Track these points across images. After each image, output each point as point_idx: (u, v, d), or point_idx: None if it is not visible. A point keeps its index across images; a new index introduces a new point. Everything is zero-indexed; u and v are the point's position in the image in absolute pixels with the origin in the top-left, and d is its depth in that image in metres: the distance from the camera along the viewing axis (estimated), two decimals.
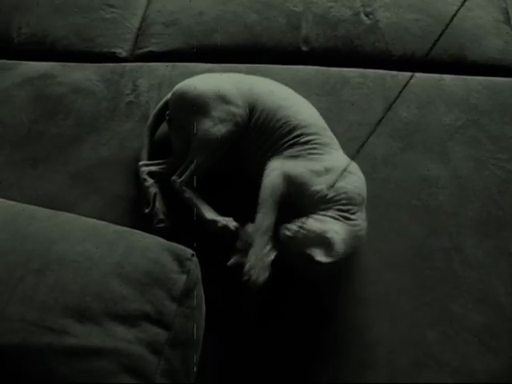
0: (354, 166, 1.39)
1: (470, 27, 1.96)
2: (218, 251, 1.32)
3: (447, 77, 1.78)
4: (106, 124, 1.66)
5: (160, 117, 1.58)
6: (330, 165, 1.36)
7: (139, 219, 1.43)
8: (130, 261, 1.02)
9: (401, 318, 1.29)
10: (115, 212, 1.46)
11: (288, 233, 1.26)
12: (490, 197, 1.48)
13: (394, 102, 1.41)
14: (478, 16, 2.00)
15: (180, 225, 1.42)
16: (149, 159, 1.55)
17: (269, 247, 1.26)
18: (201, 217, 1.39)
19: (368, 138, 1.44)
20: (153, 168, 1.52)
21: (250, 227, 1.30)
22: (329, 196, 1.30)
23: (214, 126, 1.43)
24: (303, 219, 1.27)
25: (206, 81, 1.53)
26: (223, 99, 1.46)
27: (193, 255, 1.07)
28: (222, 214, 1.40)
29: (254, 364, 1.24)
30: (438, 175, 1.52)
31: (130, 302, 0.97)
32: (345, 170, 1.34)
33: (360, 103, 1.68)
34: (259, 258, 1.24)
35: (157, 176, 1.51)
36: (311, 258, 1.21)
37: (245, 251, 1.27)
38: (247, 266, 1.24)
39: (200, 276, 1.09)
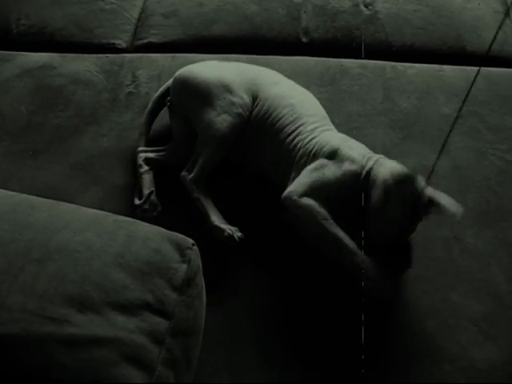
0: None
1: (469, 18, 1.97)
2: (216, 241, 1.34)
3: (447, 67, 1.79)
4: (106, 115, 1.66)
5: (160, 103, 1.57)
6: (331, 145, 1.37)
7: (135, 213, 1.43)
8: (131, 250, 1.02)
9: (401, 307, 1.29)
10: (115, 202, 1.46)
11: None
12: (489, 187, 1.49)
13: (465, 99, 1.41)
14: (478, 7, 2.01)
15: (175, 213, 1.43)
16: (147, 146, 1.54)
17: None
18: (207, 220, 1.38)
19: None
20: (150, 154, 1.52)
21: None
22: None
23: (218, 116, 1.42)
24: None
25: (209, 68, 1.52)
26: (226, 88, 1.45)
27: (193, 244, 1.07)
28: (222, 203, 1.40)
29: (256, 351, 1.25)
30: (437, 165, 1.52)
31: (130, 291, 0.97)
32: None
33: (359, 94, 1.69)
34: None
35: (153, 163, 1.50)
36: None
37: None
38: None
39: (201, 265, 1.09)
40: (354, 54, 1.84)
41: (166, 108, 1.58)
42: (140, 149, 1.53)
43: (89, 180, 1.52)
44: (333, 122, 1.51)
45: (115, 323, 0.93)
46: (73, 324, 0.91)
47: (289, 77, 1.64)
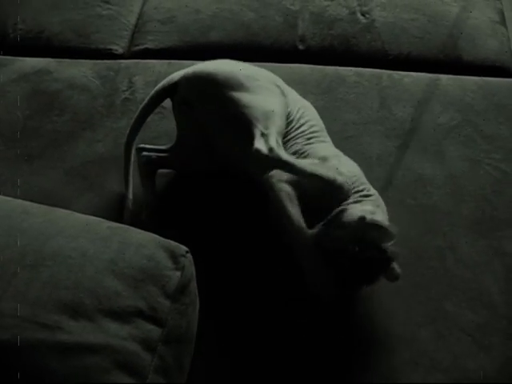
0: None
1: (465, 28, 1.97)
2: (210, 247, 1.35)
3: (443, 77, 1.79)
4: (102, 120, 1.66)
5: (159, 99, 1.51)
6: (322, 154, 1.36)
7: (134, 215, 1.43)
8: (124, 257, 1.01)
9: (395, 317, 1.29)
10: (110, 208, 1.46)
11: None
12: (484, 196, 1.49)
13: None
14: (474, 17, 2.01)
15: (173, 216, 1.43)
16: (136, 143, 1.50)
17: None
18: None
19: None
20: (152, 155, 1.50)
21: None
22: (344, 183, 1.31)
23: (260, 95, 1.38)
24: (333, 213, 1.25)
25: (227, 66, 1.47)
26: (256, 79, 1.42)
27: (187, 252, 1.07)
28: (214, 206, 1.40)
29: (248, 361, 1.24)
30: (432, 174, 1.53)
31: (123, 298, 0.96)
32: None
33: (356, 102, 1.69)
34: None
35: (154, 163, 1.50)
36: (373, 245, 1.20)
37: None
38: None
39: (194, 273, 1.09)
40: (351, 61, 1.84)
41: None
42: (141, 146, 1.51)
43: (84, 185, 1.52)
44: (328, 130, 1.51)
45: (108, 330, 0.93)
46: (65, 331, 0.91)
47: (285, 84, 1.64)
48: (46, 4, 2.02)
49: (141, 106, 1.52)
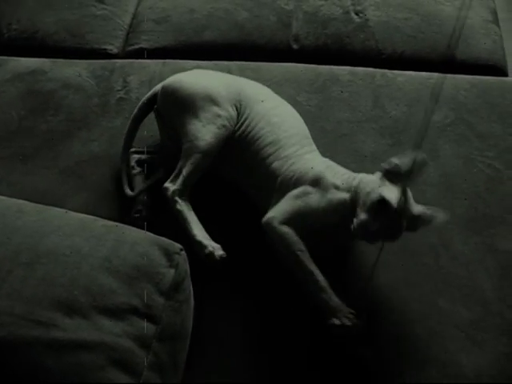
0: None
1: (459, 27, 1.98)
2: None
3: (436, 75, 1.79)
4: (97, 120, 1.66)
5: (146, 109, 1.55)
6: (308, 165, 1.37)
7: (129, 215, 1.43)
8: (119, 255, 1.02)
9: (389, 313, 1.30)
10: (105, 208, 1.46)
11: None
12: (477, 194, 1.49)
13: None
14: (467, 16, 2.02)
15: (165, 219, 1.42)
16: (130, 149, 1.53)
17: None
18: (189, 235, 1.33)
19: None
20: (142, 156, 1.52)
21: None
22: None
23: (203, 128, 1.41)
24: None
25: (197, 79, 1.51)
26: (212, 101, 1.44)
27: (181, 249, 1.08)
28: (205, 216, 1.39)
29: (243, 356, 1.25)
30: (426, 172, 1.53)
31: (118, 295, 0.97)
32: None
33: (349, 100, 1.69)
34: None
35: (145, 164, 1.51)
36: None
37: None
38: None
39: (188, 270, 1.09)
40: (345, 61, 1.85)
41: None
42: (132, 149, 1.53)
43: (79, 185, 1.52)
44: (322, 129, 1.52)
45: (102, 327, 0.94)
46: (60, 328, 0.92)
47: (278, 83, 1.65)
48: (41, 4, 2.03)
49: (131, 116, 1.56)
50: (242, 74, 1.68)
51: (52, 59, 1.84)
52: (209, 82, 1.50)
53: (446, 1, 2.04)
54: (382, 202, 1.22)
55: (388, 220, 1.21)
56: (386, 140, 1.61)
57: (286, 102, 1.53)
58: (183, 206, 1.38)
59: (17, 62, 1.83)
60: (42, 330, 0.91)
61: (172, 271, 1.03)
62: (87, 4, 2.03)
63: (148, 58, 1.88)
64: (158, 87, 1.54)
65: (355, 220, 1.22)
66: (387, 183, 1.26)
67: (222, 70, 1.66)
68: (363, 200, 1.25)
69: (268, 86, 1.56)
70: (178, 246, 1.08)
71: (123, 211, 1.44)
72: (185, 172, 1.40)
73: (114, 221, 1.13)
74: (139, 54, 1.94)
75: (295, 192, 1.33)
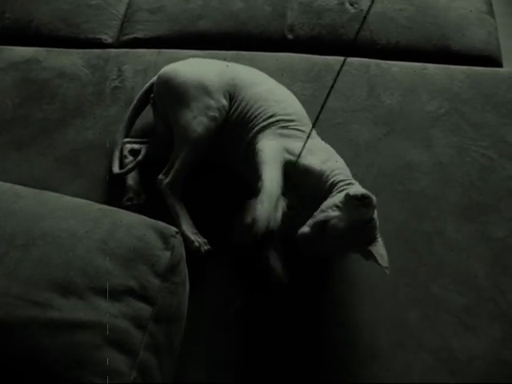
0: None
1: (453, 18, 1.99)
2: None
3: (430, 66, 1.80)
4: (91, 108, 1.66)
5: (144, 99, 1.57)
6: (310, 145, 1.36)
7: (120, 202, 1.43)
8: (115, 237, 1.02)
9: (383, 299, 1.31)
10: (100, 195, 1.47)
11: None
12: (470, 182, 1.50)
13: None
14: (462, 7, 2.03)
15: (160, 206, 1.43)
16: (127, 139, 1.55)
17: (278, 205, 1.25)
18: (178, 228, 1.29)
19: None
20: (135, 146, 1.53)
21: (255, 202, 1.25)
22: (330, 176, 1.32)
23: (195, 119, 1.42)
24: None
25: (191, 69, 1.52)
26: (205, 91, 1.45)
27: (177, 233, 1.08)
28: (203, 201, 1.41)
29: (238, 339, 1.26)
30: (420, 161, 1.55)
31: (114, 277, 0.97)
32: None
33: (344, 90, 1.70)
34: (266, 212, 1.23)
35: (138, 154, 1.51)
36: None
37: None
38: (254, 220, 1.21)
39: (184, 254, 1.10)
40: (339, 51, 1.85)
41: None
42: (126, 140, 1.53)
43: (74, 172, 1.52)
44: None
45: (98, 308, 0.94)
46: (56, 308, 0.92)
47: (274, 73, 1.65)
48: None
49: (131, 106, 1.57)
50: (237, 63, 1.68)
51: (47, 48, 1.84)
52: (203, 71, 1.51)
53: None
54: (325, 223, 1.23)
55: (327, 242, 1.23)
56: (380, 129, 1.61)
57: (282, 85, 1.54)
58: (174, 200, 1.40)
59: (11, 51, 1.83)
60: (39, 310, 0.91)
61: (168, 254, 1.04)
62: None
63: (143, 47, 1.88)
64: (156, 78, 1.56)
65: (302, 228, 1.24)
66: (345, 208, 1.25)
67: (217, 59, 1.65)
68: (315, 214, 1.26)
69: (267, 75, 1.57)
70: (174, 229, 1.08)
71: (118, 198, 1.45)
72: (177, 165, 1.42)
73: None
74: (134, 43, 1.94)
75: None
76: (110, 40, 1.97)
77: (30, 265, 0.96)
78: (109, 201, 1.44)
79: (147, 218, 1.10)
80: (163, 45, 1.88)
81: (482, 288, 1.33)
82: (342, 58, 1.79)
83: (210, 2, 1.99)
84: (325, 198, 1.29)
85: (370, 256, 1.24)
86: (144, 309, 0.97)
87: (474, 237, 1.41)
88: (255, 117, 1.43)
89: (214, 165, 1.49)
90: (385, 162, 1.54)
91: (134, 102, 1.58)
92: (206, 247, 1.35)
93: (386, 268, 1.21)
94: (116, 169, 1.49)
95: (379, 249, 1.24)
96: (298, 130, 1.43)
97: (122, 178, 1.47)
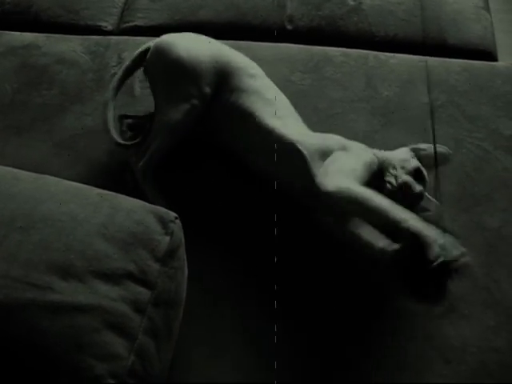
0: None
1: (450, 12, 2.01)
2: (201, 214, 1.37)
3: (428, 58, 1.81)
4: (91, 95, 1.66)
5: (139, 61, 1.53)
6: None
7: (123, 188, 1.43)
8: (115, 221, 1.03)
9: (376, 287, 1.32)
10: (99, 180, 1.46)
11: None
12: (466, 173, 1.52)
13: None
14: (459, 1, 2.05)
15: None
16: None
17: None
18: None
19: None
20: (130, 121, 1.54)
21: None
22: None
23: (175, 106, 1.42)
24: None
25: (187, 46, 1.48)
26: (192, 75, 1.43)
27: (176, 218, 1.09)
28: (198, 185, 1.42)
29: (236, 325, 1.27)
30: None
31: (113, 260, 0.98)
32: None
33: (342, 81, 1.71)
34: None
35: (136, 128, 1.52)
36: None
37: None
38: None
39: (183, 239, 1.11)
40: (338, 42, 1.86)
41: None
42: (122, 114, 1.53)
43: (72, 158, 1.52)
44: (315, 107, 1.53)
45: (98, 291, 0.95)
46: (56, 291, 0.93)
47: (273, 62, 1.66)
48: None
49: (124, 66, 1.54)
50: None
51: (46, 34, 1.84)
52: (198, 51, 1.48)
53: None
54: (419, 170, 1.34)
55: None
56: (378, 120, 1.62)
57: (274, 85, 1.53)
58: (148, 183, 1.41)
59: (10, 36, 1.83)
60: (38, 292, 0.92)
61: (167, 238, 1.05)
62: None
63: (142, 35, 1.87)
64: (151, 43, 1.53)
65: (398, 180, 1.31)
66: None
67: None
68: (399, 165, 1.34)
69: (262, 65, 1.56)
70: (174, 214, 1.09)
71: (117, 184, 1.45)
72: (152, 149, 1.42)
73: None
74: (134, 31, 1.94)
75: (332, 158, 1.36)
76: (109, 27, 1.97)
77: (29, 247, 0.96)
78: (107, 187, 1.44)
79: (147, 204, 1.11)
80: (163, 33, 1.82)
81: (476, 277, 1.34)
82: (340, 49, 1.81)
83: None
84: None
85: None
86: (143, 293, 0.98)
87: (468, 226, 1.42)
88: (253, 110, 1.42)
89: (213, 148, 1.50)
90: None
91: (127, 62, 1.54)
92: None
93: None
94: (118, 138, 1.46)
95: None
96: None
97: (124, 149, 1.46)
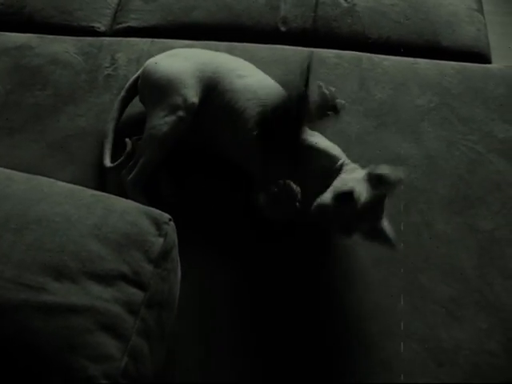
0: None
1: (444, 14, 2.02)
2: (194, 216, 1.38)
3: (421, 61, 1.82)
4: (84, 96, 1.66)
5: (133, 89, 1.57)
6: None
7: (116, 189, 1.44)
8: (108, 223, 1.03)
9: (372, 288, 1.32)
10: (91, 182, 1.46)
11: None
12: (459, 176, 1.52)
13: None
14: (453, 4, 2.06)
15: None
16: (115, 133, 1.53)
17: None
18: None
19: None
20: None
21: None
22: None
23: (162, 119, 1.42)
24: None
25: (171, 63, 1.51)
26: (177, 88, 1.45)
27: (170, 219, 1.09)
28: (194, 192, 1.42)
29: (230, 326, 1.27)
30: (409, 154, 1.56)
31: (107, 261, 0.98)
32: None
33: (336, 82, 1.70)
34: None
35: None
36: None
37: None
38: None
39: (176, 240, 1.11)
40: (332, 44, 1.86)
41: None
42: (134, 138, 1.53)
43: (65, 159, 1.52)
44: None
45: (91, 292, 0.94)
46: (49, 292, 0.92)
47: (266, 64, 1.66)
48: None
49: (119, 97, 1.57)
50: (230, 54, 1.68)
51: (39, 35, 1.83)
52: (182, 66, 1.50)
53: None
54: (350, 195, 1.22)
55: (346, 215, 1.22)
56: (371, 122, 1.63)
57: (270, 78, 1.54)
58: (138, 196, 1.40)
59: (4, 37, 1.82)
60: (31, 293, 0.91)
61: (161, 240, 1.04)
62: None
63: (136, 36, 1.88)
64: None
65: (318, 199, 1.24)
66: (366, 185, 1.26)
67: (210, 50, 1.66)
68: (335, 185, 1.27)
69: (257, 67, 1.57)
70: (167, 216, 1.09)
71: (109, 186, 1.45)
72: (141, 162, 1.43)
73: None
74: (127, 32, 1.94)
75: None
76: (103, 28, 1.97)
77: (23, 248, 0.96)
78: (100, 188, 1.44)
79: (140, 205, 1.11)
80: (156, 34, 1.88)
81: (469, 279, 1.34)
82: (334, 51, 1.81)
83: None
84: (332, 177, 1.31)
85: (378, 233, 1.26)
86: (136, 294, 0.98)
87: (461, 229, 1.43)
88: (244, 110, 1.43)
89: (207, 155, 1.50)
90: (374, 155, 1.55)
91: (122, 92, 1.57)
92: None
93: (394, 246, 1.25)
94: (108, 162, 1.48)
95: (388, 226, 1.27)
96: None
97: (114, 171, 1.47)
